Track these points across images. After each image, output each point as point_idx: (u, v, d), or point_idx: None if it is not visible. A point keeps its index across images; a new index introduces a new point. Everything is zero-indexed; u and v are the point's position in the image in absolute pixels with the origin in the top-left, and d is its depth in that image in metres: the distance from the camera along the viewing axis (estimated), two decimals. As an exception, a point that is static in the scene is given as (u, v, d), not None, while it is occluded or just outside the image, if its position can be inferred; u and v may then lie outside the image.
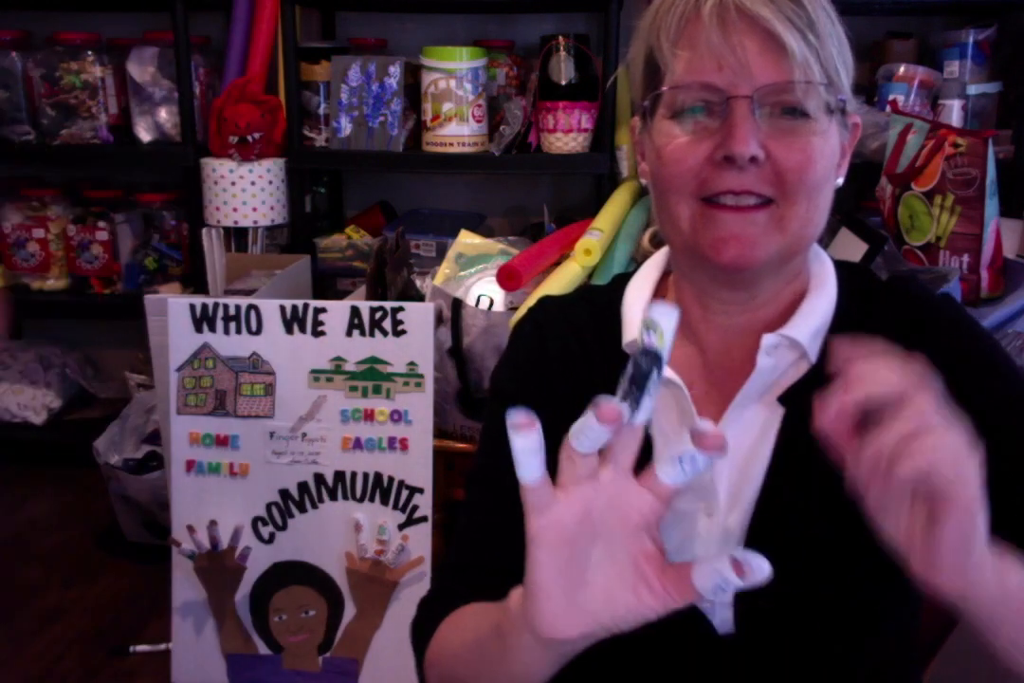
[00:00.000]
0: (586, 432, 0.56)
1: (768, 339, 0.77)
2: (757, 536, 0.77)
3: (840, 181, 0.79)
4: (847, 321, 0.80)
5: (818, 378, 0.77)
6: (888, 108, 2.20)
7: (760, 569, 0.54)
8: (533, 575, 0.59)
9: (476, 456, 0.90)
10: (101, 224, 2.73)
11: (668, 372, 0.79)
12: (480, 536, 0.84)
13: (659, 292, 0.87)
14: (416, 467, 1.74)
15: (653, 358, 0.56)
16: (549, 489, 0.58)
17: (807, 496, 0.76)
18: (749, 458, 0.78)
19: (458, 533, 0.87)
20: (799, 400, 0.78)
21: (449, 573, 0.85)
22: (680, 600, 0.58)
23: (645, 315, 0.57)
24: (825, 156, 0.74)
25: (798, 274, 0.82)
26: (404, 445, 1.74)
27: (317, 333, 1.75)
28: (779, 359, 0.78)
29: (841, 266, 0.85)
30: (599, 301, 0.89)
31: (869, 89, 2.34)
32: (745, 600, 0.76)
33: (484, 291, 1.84)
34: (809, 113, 0.72)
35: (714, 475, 0.78)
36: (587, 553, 0.59)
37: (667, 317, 0.56)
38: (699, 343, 0.83)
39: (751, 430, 0.79)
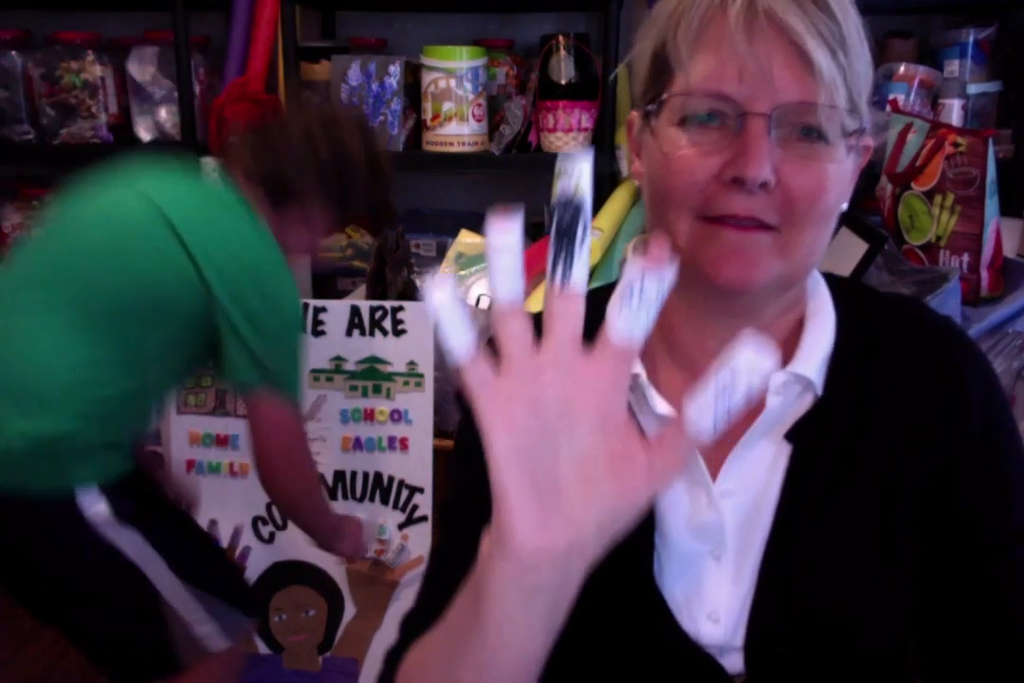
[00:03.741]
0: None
1: (777, 378, 0.73)
2: (769, 579, 0.73)
3: (845, 206, 0.74)
4: (850, 348, 0.76)
5: (825, 410, 0.75)
6: (888, 107, 2.20)
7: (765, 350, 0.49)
8: (498, 479, 0.50)
9: (450, 483, 0.84)
10: (101, 224, 2.73)
11: (662, 405, 0.75)
12: (446, 580, 0.67)
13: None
14: (416, 467, 1.74)
15: (573, 209, 0.48)
16: (488, 370, 0.50)
17: (820, 536, 0.73)
18: (757, 498, 0.75)
19: (425, 577, 0.80)
20: (807, 436, 0.74)
21: (414, 620, 0.75)
22: (670, 468, 0.51)
23: (557, 168, 0.48)
24: (839, 184, 0.70)
25: (797, 302, 0.77)
26: (404, 445, 1.74)
27: (317, 332, 1.75)
28: (786, 395, 0.74)
29: (833, 283, 0.80)
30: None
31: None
32: (758, 645, 0.73)
33: (484, 291, 1.84)
34: (828, 139, 0.67)
35: (721, 517, 0.74)
36: (553, 452, 0.51)
37: (578, 162, 0.48)
38: (693, 368, 0.76)
39: (758, 469, 0.75)
